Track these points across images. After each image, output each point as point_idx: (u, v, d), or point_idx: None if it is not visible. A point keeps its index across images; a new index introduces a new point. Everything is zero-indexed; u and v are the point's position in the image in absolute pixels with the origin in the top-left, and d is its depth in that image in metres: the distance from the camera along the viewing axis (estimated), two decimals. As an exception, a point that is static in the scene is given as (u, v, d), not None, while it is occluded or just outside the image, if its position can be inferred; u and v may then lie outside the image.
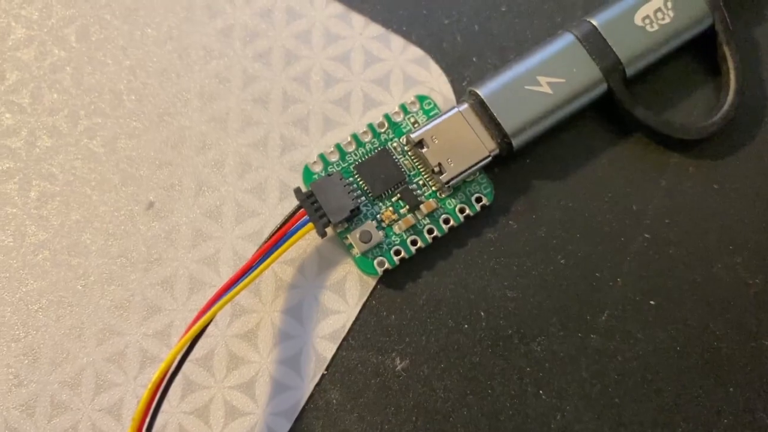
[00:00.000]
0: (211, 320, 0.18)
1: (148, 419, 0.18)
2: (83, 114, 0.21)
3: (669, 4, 0.21)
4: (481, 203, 0.20)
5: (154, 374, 0.19)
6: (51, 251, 0.20)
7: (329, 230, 0.20)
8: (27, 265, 0.20)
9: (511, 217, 0.20)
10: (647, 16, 0.21)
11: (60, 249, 0.20)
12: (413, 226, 0.20)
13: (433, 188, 0.20)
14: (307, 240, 0.20)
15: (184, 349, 0.18)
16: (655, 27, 0.21)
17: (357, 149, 0.20)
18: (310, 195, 0.19)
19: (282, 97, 0.21)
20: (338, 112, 0.21)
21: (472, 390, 0.19)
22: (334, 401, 0.19)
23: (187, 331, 0.18)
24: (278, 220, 0.20)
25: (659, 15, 0.21)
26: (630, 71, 0.21)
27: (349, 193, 0.19)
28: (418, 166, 0.20)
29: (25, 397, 0.19)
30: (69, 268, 0.20)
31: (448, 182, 0.20)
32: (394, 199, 0.20)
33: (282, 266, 0.20)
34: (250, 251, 0.20)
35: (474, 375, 0.19)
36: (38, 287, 0.20)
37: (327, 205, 0.19)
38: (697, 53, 0.22)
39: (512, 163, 0.21)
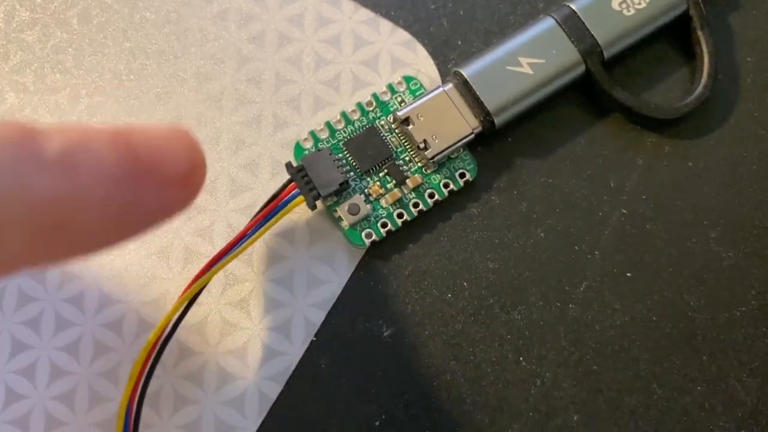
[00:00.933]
0: (204, 286, 0.19)
1: (142, 381, 0.19)
2: (84, 93, 0.22)
3: (645, -10, 0.22)
4: (464, 179, 0.21)
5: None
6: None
7: (319, 203, 0.20)
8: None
9: (494, 193, 0.21)
10: (624, 1, 0.21)
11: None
12: (399, 200, 0.21)
13: (419, 164, 0.21)
14: (297, 213, 0.21)
15: (178, 314, 0.19)
16: (632, 11, 0.22)
17: (346, 127, 0.21)
18: (300, 169, 0.20)
19: (275, 77, 0.22)
20: (328, 92, 0.22)
21: (455, 356, 0.20)
22: (324, 366, 0.20)
23: (181, 296, 0.19)
24: (270, 194, 0.21)
25: (636, 0, 0.22)
26: (608, 54, 0.22)
27: (338, 167, 0.20)
28: (405, 143, 0.21)
29: (26, 361, 0.20)
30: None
31: (433, 158, 0.21)
32: (381, 174, 0.21)
33: (273, 237, 0.21)
34: (243, 223, 0.21)
35: (457, 342, 0.20)
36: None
37: (317, 178, 0.20)
38: (672, 37, 0.23)
39: (495, 141, 0.22)
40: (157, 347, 0.19)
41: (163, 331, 0.19)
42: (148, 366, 0.19)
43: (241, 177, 0.21)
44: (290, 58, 0.22)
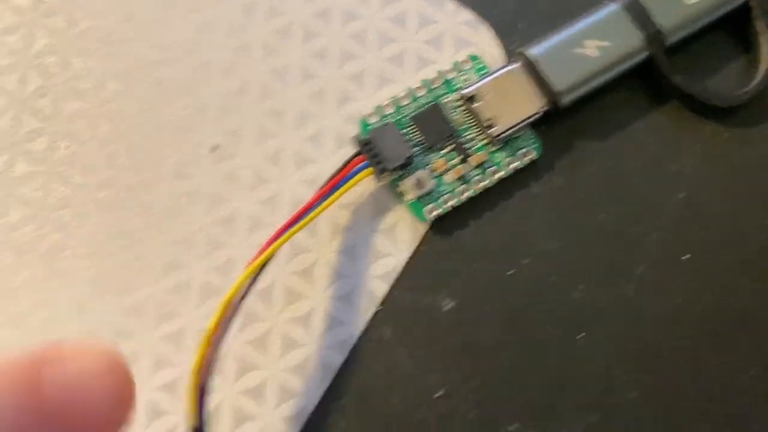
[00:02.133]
0: (272, 256, 0.20)
1: (212, 347, 0.19)
2: (161, 66, 0.22)
3: (709, -21, 0.22)
4: (528, 158, 0.21)
5: (215, 305, 0.20)
6: (117, 189, 0.21)
7: (384, 177, 0.21)
8: (93, 201, 0.21)
9: (555, 173, 0.22)
10: (688, -11, 0.22)
11: (129, 186, 0.21)
12: (463, 177, 0.21)
13: (483, 142, 0.21)
14: (362, 186, 0.21)
15: (248, 282, 0.19)
16: (694, 0, 0.22)
17: (411, 103, 0.21)
18: (368, 142, 0.20)
19: (340, 53, 0.22)
20: (392, 70, 0.22)
21: (515, 332, 0.20)
22: (386, 337, 0.20)
23: (249, 265, 0.19)
24: (335, 167, 0.21)
25: (699, -12, 0.22)
26: (669, 41, 0.22)
27: (404, 142, 0.20)
28: (470, 121, 0.21)
29: (90, 323, 0.20)
30: (136, 204, 0.21)
31: (497, 136, 0.21)
32: (445, 151, 0.21)
33: (338, 210, 0.21)
34: (307, 195, 0.21)
35: (516, 318, 0.20)
36: (105, 220, 0.21)
37: (384, 152, 0.20)
38: (732, 27, 0.23)
39: (558, 123, 0.22)
40: (227, 316, 0.19)
41: (232, 299, 0.19)
42: (219, 332, 0.19)
43: (305, 150, 0.22)
44: (355, 35, 0.23)
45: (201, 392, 0.18)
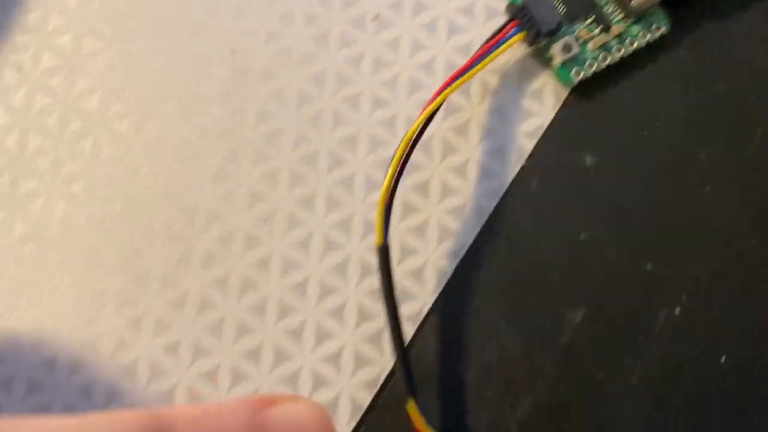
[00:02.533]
0: (435, 111, 0.22)
1: (390, 190, 0.21)
2: None
3: None
4: (659, 32, 0.23)
5: (382, 155, 0.22)
6: (292, 52, 0.23)
7: (536, 41, 0.23)
8: (265, 57, 0.23)
9: (681, 47, 0.24)
10: None
11: (301, 43, 0.23)
12: (604, 45, 0.23)
13: (620, 16, 0.23)
14: (510, 53, 0.23)
15: (414, 135, 0.22)
16: None
17: (555, -21, 0.24)
18: (523, 8, 0.22)
19: (485, -65, 0.24)
20: (534, -49, 0.24)
21: (650, 185, 0.23)
22: (533, 188, 0.23)
23: (417, 119, 0.21)
24: (484, 37, 0.23)
25: None
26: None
27: (555, 9, 0.23)
28: (608, -4, 0.24)
29: (269, 167, 0.22)
30: (308, 68, 0.23)
31: (635, 6, 0.23)
32: (588, 22, 0.23)
33: (489, 74, 0.23)
34: (460, 61, 0.23)
35: (651, 172, 0.23)
36: (278, 86, 0.23)
37: (537, 17, 0.22)
38: None
39: (684, 4, 0.24)
40: (401, 162, 0.21)
41: (405, 149, 0.21)
42: (398, 165, 0.21)
43: (458, 20, 0.24)
44: None
45: (387, 215, 0.20)
